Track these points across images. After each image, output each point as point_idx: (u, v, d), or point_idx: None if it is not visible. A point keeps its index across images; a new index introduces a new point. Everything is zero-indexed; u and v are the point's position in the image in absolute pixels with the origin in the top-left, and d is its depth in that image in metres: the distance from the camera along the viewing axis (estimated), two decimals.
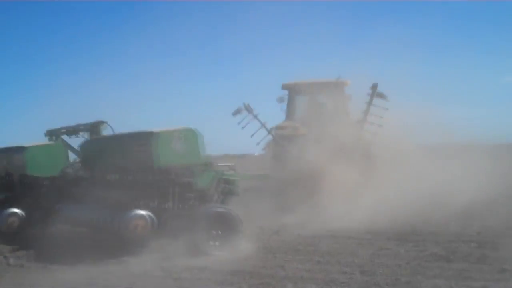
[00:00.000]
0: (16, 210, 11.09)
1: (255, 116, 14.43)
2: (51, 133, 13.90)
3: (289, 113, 15.88)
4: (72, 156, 12.86)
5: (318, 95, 15.66)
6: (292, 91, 15.95)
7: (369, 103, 14.53)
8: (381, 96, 14.52)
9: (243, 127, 14.35)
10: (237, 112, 14.47)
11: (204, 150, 9.19)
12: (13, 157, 11.72)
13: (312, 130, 14.06)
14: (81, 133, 13.32)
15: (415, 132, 14.83)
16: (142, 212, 8.58)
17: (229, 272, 7.39)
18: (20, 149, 11.56)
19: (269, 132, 14.44)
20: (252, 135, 14.28)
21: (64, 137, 13.78)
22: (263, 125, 14.37)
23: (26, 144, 11.73)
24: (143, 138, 8.91)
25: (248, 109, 14.37)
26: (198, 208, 8.90)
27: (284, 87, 16.02)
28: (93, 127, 12.76)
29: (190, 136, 8.96)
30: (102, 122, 12.86)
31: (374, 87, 14.57)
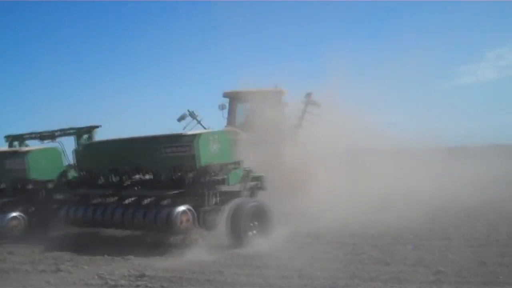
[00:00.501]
0: (17, 214, 11.25)
1: (199, 122, 15.57)
2: (13, 138, 14.21)
3: (230, 119, 16.63)
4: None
5: (257, 103, 16.09)
6: (233, 98, 16.76)
7: (304, 110, 15.84)
8: (315, 104, 15.80)
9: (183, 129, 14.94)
10: (181, 118, 15.52)
11: (233, 150, 10.10)
12: (13, 161, 11.90)
13: (250, 135, 14.48)
14: (57, 139, 13.49)
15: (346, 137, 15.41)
16: (186, 207, 9.34)
17: (166, 279, 7.31)
18: (21, 154, 11.86)
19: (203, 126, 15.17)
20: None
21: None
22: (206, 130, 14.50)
23: (23, 148, 12.34)
24: (186, 140, 9.75)
25: (192, 115, 15.53)
26: (238, 202, 9.81)
27: (225, 95, 16.84)
28: (87, 131, 13.02)
29: (224, 138, 10.05)
30: (96, 126, 13.15)
31: (309, 95, 15.86)
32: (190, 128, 15.18)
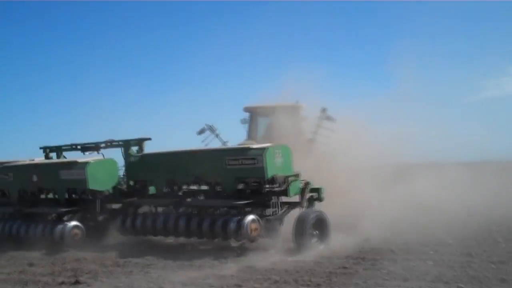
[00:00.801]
0: (78, 223, 11.65)
1: (217, 135, 16.70)
2: (50, 150, 14.55)
3: (251, 132, 17.64)
4: None
5: (276, 117, 16.82)
6: (254, 113, 17.88)
7: (318, 125, 16.49)
8: (329, 119, 16.43)
9: (206, 145, 16.30)
10: (201, 131, 16.69)
11: (292, 163, 10.78)
12: (71, 172, 12.27)
13: None
14: (101, 150, 13.86)
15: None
16: (255, 216, 9.99)
17: None
18: (81, 164, 12.19)
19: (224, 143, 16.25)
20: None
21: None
22: (224, 143, 16.45)
23: (82, 159, 12.58)
24: (254, 153, 10.45)
25: (211, 129, 16.64)
26: (304, 213, 10.55)
27: (246, 109, 17.94)
28: (136, 143, 13.33)
29: (286, 152, 10.70)
30: (147, 138, 13.45)
31: (323, 111, 16.46)
32: (208, 142, 16.47)
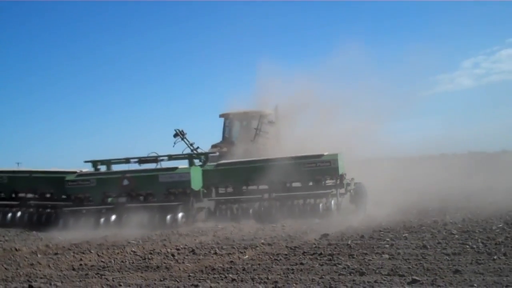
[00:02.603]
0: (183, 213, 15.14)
1: (183, 139, 19.76)
2: (101, 163, 17.54)
3: (227, 134, 21.39)
4: None
5: (248, 122, 21.03)
6: (227, 119, 21.49)
7: (259, 125, 19.99)
8: (271, 122, 20.22)
9: (173, 146, 19.69)
10: (175, 135, 19.77)
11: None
12: (177, 175, 15.51)
13: (238, 148, 19.54)
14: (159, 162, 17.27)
15: None
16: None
17: None
18: (185, 169, 15.74)
19: (192, 150, 19.41)
20: (183, 151, 19.20)
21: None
22: (190, 145, 19.76)
23: (181, 166, 16.12)
24: (329, 158, 15.15)
25: (181, 133, 19.74)
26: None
27: (221, 115, 21.69)
28: (201, 156, 17.29)
29: (342, 156, 15.35)
30: (212, 152, 18.53)
31: (275, 108, 20.39)
32: (177, 144, 19.77)
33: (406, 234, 10.43)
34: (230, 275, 7.80)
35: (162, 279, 7.85)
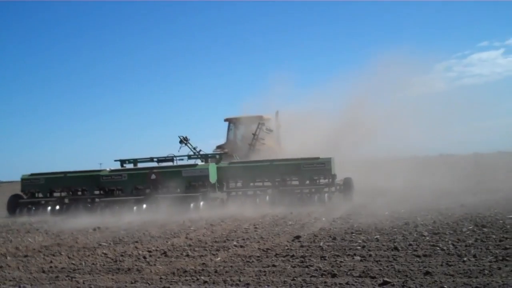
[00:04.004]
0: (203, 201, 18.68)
1: (187, 144, 23.05)
2: (127, 161, 21.47)
3: (229, 137, 25.94)
4: None
5: (249, 126, 24.91)
6: (231, 122, 25.96)
7: (258, 130, 23.71)
8: (268, 129, 23.89)
9: (178, 151, 23.00)
10: (180, 142, 22.95)
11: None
12: (198, 170, 19.25)
13: (239, 150, 23.66)
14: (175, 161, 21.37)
15: None
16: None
17: None
18: (204, 165, 19.59)
19: (195, 154, 22.40)
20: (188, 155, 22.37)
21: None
22: (194, 148, 22.95)
23: (200, 163, 20.57)
24: (324, 161, 18.97)
25: (185, 140, 22.96)
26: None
27: (225, 120, 26.25)
28: (216, 155, 21.44)
29: (335, 159, 19.34)
30: (225, 152, 22.71)
31: (277, 113, 24.77)
32: (180, 148, 23.39)
33: (378, 236, 10.49)
34: (202, 277, 7.77)
35: (133, 282, 7.80)
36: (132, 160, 21.44)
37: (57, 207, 20.35)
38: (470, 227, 10.97)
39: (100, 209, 18.97)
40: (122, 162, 21.43)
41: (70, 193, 20.95)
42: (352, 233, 11.09)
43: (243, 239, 11.07)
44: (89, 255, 10.12)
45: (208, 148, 23.70)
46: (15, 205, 20.80)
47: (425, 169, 28.77)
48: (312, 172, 19.03)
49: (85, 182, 20.78)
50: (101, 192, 20.50)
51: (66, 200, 20.80)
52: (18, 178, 22.26)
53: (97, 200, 20.10)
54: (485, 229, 10.60)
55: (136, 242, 11.49)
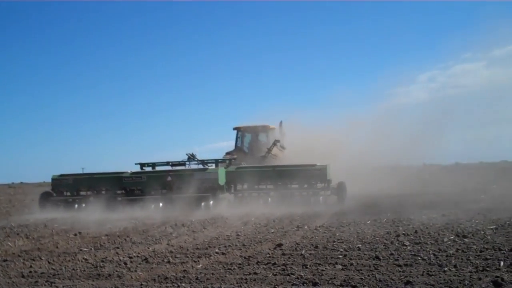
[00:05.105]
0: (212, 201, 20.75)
1: (194, 158, 24.10)
2: (146, 165, 23.78)
3: (237, 145, 27.91)
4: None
5: (256, 134, 27.93)
6: (239, 131, 28.10)
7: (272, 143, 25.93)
8: (282, 147, 25.94)
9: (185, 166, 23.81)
10: (188, 158, 24.05)
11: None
12: (208, 174, 21.43)
13: (247, 157, 26.04)
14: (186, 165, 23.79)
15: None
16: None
17: None
18: (214, 169, 21.88)
19: (204, 165, 23.55)
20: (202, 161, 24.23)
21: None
22: (201, 161, 23.93)
23: (210, 167, 22.84)
24: (320, 167, 21.08)
25: (192, 156, 24.10)
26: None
27: (234, 128, 28.28)
28: (226, 161, 23.33)
29: (330, 166, 21.61)
30: (233, 158, 24.33)
31: (280, 123, 26.73)
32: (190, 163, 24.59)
33: (360, 245, 10.50)
34: (183, 284, 7.74)
35: None
36: (150, 164, 23.79)
37: (83, 204, 22.05)
38: (451, 237, 11.02)
39: (122, 206, 20.87)
40: (142, 165, 23.77)
41: (95, 192, 23.05)
42: (334, 241, 11.10)
43: (225, 246, 11.03)
44: (69, 260, 10.05)
45: (208, 150, 25.95)
46: (45, 201, 22.87)
47: (408, 178, 29.19)
48: (310, 177, 21.25)
49: (108, 183, 22.93)
50: (123, 191, 22.65)
51: (91, 198, 22.54)
52: (40, 180, 25.14)
53: (119, 198, 22.05)
54: (466, 240, 10.65)
55: (117, 248, 11.41)
